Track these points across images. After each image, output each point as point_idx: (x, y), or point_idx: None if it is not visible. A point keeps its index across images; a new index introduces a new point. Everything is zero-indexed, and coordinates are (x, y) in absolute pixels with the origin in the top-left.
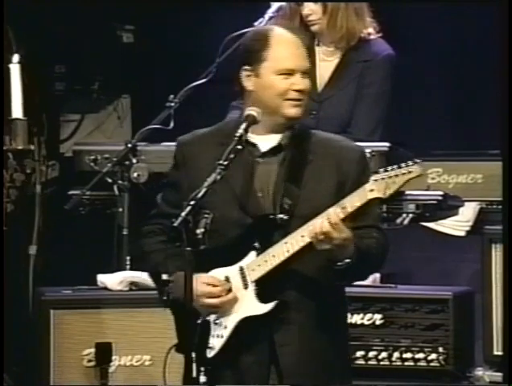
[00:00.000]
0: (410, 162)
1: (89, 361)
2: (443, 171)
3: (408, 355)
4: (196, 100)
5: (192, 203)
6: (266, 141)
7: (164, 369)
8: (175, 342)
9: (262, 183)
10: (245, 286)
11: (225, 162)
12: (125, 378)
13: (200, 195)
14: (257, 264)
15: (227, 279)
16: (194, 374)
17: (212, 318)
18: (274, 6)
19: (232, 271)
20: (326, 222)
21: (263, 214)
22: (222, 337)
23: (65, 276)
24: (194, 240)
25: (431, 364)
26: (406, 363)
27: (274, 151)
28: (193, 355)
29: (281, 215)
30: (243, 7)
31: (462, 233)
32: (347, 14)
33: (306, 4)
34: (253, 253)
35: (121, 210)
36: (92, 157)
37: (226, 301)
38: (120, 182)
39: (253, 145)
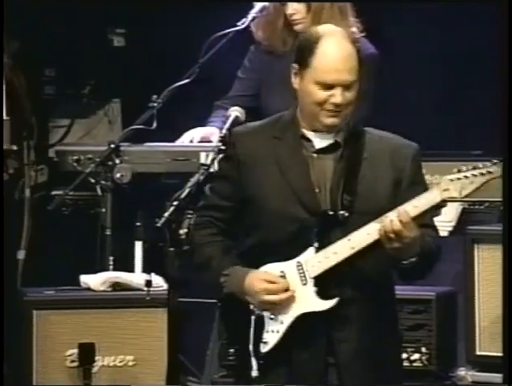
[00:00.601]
0: (488, 163)
1: (72, 361)
2: (426, 172)
3: None
4: (179, 100)
5: (175, 203)
6: (320, 138)
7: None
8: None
9: (319, 179)
10: (304, 282)
11: (209, 163)
12: (108, 378)
13: (183, 195)
14: (317, 260)
15: (283, 274)
16: (254, 369)
17: (266, 313)
18: (258, 6)
19: (289, 266)
20: (397, 221)
21: (322, 210)
22: (278, 332)
23: (48, 276)
24: (177, 240)
25: (414, 364)
26: None
27: (330, 148)
28: (250, 348)
29: (342, 212)
30: (242, 7)
31: (445, 233)
32: (331, 13)
33: (290, 3)
34: (311, 249)
35: (104, 210)
36: (75, 157)
37: (285, 299)
38: (103, 182)
39: (309, 141)
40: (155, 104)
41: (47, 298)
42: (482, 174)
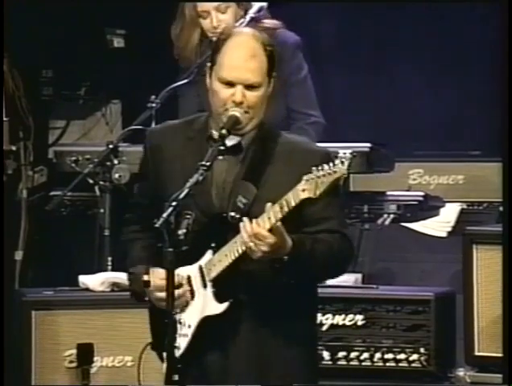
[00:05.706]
0: (336, 161)
1: (71, 362)
2: (424, 172)
3: (390, 356)
4: (178, 100)
5: (174, 203)
6: (229, 140)
7: (139, 368)
8: (149, 341)
9: (220, 181)
10: (204, 285)
11: (208, 163)
12: (106, 379)
13: (181, 195)
14: (213, 263)
15: (189, 278)
16: (164, 372)
17: (177, 317)
18: (256, 6)
19: (193, 270)
20: (245, 234)
21: (215, 212)
22: (187, 336)
23: (47, 277)
24: (175, 240)
25: (413, 365)
26: (387, 364)
27: (234, 150)
28: (164, 354)
29: (232, 214)
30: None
31: (443, 234)
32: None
33: (214, 15)
34: (209, 252)
35: (102, 211)
36: (74, 158)
37: (181, 295)
38: (101, 182)
39: (215, 142)
40: (154, 105)
41: (45, 299)
42: (329, 173)
